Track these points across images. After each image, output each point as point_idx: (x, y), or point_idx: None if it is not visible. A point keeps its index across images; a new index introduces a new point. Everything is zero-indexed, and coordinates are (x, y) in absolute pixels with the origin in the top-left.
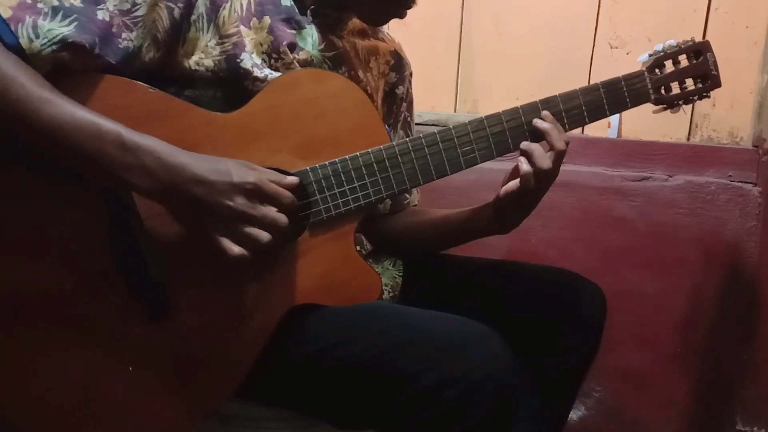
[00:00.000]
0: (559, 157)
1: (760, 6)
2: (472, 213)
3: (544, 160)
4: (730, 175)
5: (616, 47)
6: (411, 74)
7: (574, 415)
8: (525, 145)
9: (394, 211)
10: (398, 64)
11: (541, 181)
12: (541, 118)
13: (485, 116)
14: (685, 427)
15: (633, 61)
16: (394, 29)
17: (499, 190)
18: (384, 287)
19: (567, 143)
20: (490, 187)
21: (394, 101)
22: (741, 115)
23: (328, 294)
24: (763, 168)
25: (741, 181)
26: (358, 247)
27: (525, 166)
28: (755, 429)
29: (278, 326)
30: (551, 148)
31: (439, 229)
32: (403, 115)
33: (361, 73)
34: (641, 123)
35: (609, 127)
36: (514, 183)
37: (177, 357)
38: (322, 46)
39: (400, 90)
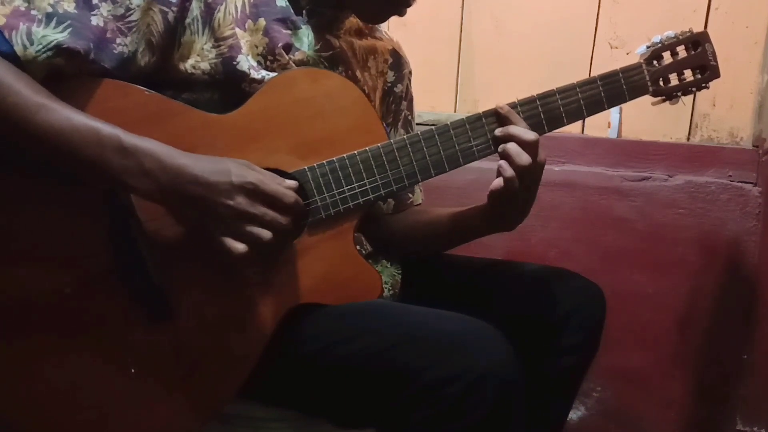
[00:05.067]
0: (534, 148)
1: (760, 6)
2: (474, 211)
3: (521, 156)
4: (730, 175)
5: (616, 47)
6: (410, 72)
7: (574, 415)
8: (501, 147)
9: (397, 210)
10: (397, 62)
11: (524, 177)
12: (503, 115)
13: (482, 112)
14: (685, 427)
15: (633, 61)
16: (393, 29)
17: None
18: (384, 285)
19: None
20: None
21: (394, 100)
22: (741, 115)
23: (329, 293)
24: (763, 168)
25: (741, 181)
26: (357, 247)
27: (506, 168)
28: (755, 429)
29: (279, 326)
30: (523, 143)
31: (441, 228)
32: (403, 114)
33: (358, 73)
34: (641, 123)
35: (609, 127)
36: (499, 182)
37: (179, 359)
38: (318, 47)
39: (399, 89)
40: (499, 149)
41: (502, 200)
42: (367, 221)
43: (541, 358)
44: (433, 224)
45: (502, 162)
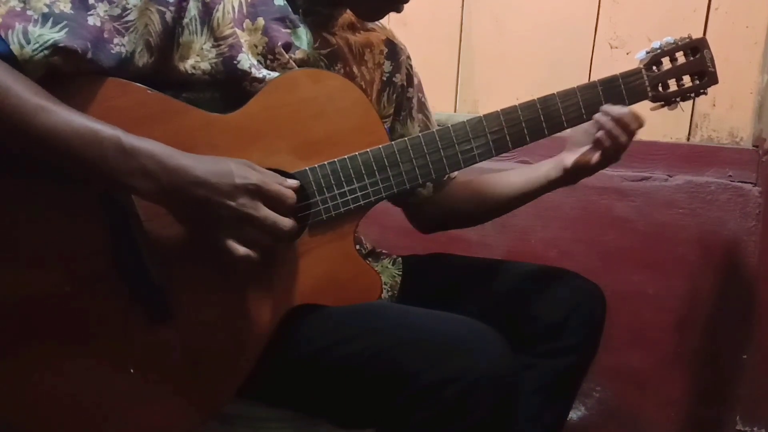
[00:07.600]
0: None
1: (760, 6)
2: (544, 178)
3: (622, 137)
4: (730, 175)
5: (616, 47)
6: (408, 57)
7: (574, 415)
8: (600, 120)
9: (438, 190)
10: (392, 51)
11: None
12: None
13: (483, 115)
14: (685, 427)
15: (633, 61)
16: (394, 28)
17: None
18: (383, 286)
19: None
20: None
21: (394, 90)
22: (741, 115)
23: (328, 294)
24: (763, 168)
25: (741, 181)
26: (357, 246)
27: (605, 140)
28: (755, 429)
29: (279, 326)
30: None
31: (504, 197)
32: (415, 99)
33: (355, 68)
34: None
35: None
36: (594, 155)
37: (178, 359)
38: (316, 44)
39: (398, 78)
40: (602, 122)
41: (592, 170)
42: (410, 207)
43: (542, 358)
44: (494, 195)
45: (602, 135)
